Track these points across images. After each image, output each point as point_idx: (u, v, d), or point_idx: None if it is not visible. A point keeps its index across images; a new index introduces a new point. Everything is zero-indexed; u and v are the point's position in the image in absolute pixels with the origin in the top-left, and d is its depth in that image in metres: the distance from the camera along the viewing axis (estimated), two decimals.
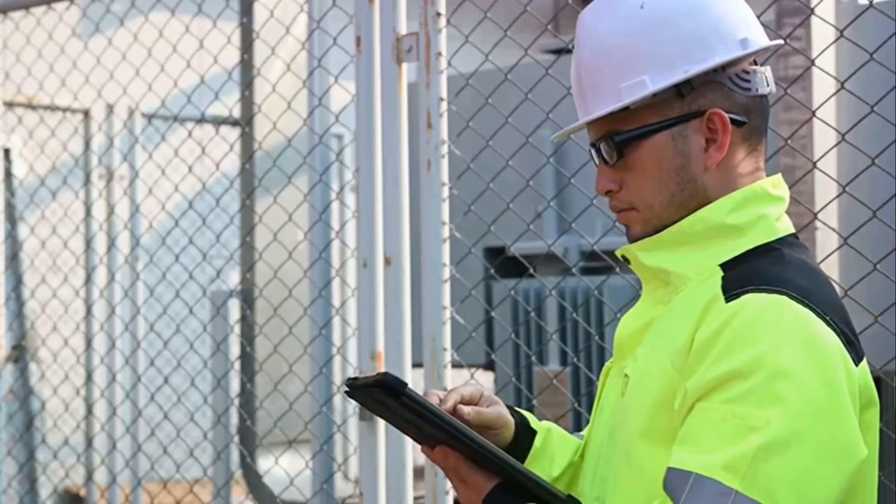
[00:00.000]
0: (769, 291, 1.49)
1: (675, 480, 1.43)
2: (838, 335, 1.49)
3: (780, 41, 1.68)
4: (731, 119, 1.58)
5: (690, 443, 1.44)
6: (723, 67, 1.58)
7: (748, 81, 1.60)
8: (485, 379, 5.02)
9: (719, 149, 1.58)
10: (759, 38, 1.62)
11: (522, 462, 1.76)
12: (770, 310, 1.47)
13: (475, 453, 1.57)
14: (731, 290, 1.51)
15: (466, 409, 1.68)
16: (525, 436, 1.77)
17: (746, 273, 1.53)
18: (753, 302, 1.48)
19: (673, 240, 1.60)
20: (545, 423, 1.86)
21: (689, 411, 1.46)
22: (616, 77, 1.59)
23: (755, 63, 1.63)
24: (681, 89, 1.57)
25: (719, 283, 1.53)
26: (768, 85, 1.63)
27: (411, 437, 1.70)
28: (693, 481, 1.40)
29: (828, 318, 1.49)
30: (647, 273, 1.65)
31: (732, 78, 1.59)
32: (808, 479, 1.39)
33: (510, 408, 1.80)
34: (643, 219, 1.63)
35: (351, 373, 4.93)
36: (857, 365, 1.50)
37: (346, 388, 1.57)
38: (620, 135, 1.60)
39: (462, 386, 1.75)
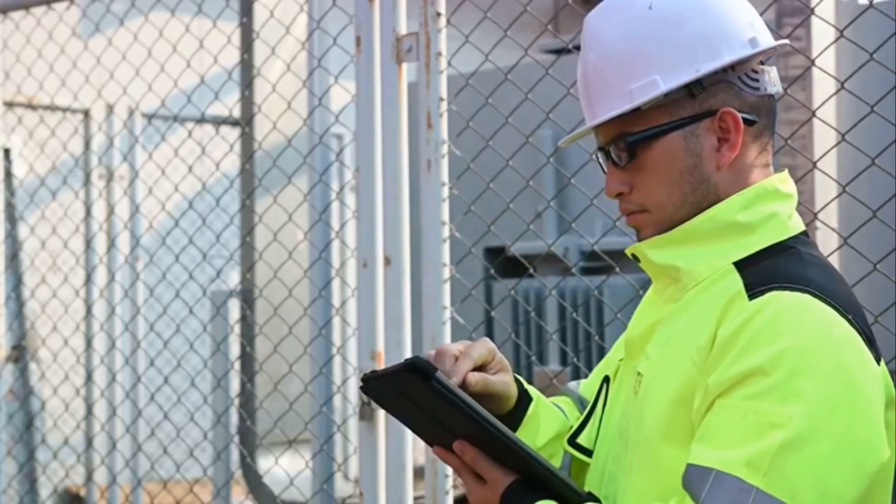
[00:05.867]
0: (793, 289, 1.48)
1: (695, 477, 1.42)
2: (860, 334, 1.49)
3: (785, 41, 1.69)
4: (742, 118, 1.58)
5: (711, 439, 1.43)
6: (732, 67, 1.59)
7: (757, 81, 1.61)
8: None
9: (732, 148, 1.58)
10: (766, 39, 1.63)
11: (516, 428, 1.72)
12: (794, 308, 1.47)
13: (498, 443, 1.54)
14: (755, 287, 1.50)
15: (473, 380, 1.63)
16: (521, 402, 1.75)
17: (767, 270, 1.53)
18: (778, 300, 1.47)
19: (683, 237, 1.60)
20: (532, 388, 1.83)
21: (710, 408, 1.46)
22: (625, 79, 1.59)
23: (762, 63, 1.64)
24: (692, 89, 1.58)
25: (739, 280, 1.53)
26: (775, 85, 1.63)
27: (422, 436, 1.66)
28: (714, 478, 1.40)
29: (850, 317, 1.49)
30: (656, 271, 1.64)
31: (742, 77, 1.60)
32: (828, 477, 1.39)
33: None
34: (654, 220, 1.62)
35: (351, 372, 4.93)
36: (878, 364, 1.50)
37: (363, 381, 1.55)
38: (632, 135, 1.60)
39: (474, 345, 1.67)
